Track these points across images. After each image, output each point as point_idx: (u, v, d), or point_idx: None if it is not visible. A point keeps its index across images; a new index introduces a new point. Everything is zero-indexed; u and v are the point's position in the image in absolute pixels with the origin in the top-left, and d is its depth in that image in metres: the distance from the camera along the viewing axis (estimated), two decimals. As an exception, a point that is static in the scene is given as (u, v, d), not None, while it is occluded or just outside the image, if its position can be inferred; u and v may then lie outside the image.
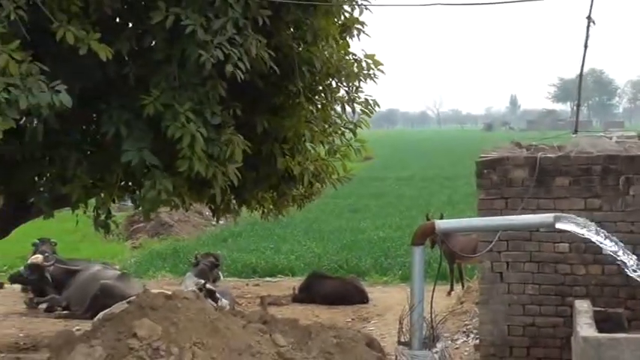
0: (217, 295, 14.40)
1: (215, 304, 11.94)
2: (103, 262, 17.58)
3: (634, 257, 7.85)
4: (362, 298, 16.23)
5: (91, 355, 8.68)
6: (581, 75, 12.85)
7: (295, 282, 17.44)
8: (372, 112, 11.59)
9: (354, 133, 11.77)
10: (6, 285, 17.85)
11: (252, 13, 9.22)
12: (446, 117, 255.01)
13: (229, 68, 8.90)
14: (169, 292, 10.23)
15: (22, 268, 16.87)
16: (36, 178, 10.62)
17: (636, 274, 7.73)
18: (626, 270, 7.75)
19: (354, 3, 10.94)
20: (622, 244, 7.89)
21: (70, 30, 8.65)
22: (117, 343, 8.74)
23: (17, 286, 17.16)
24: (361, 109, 11.47)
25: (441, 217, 13.54)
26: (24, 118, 8.46)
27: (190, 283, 14.99)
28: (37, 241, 17.10)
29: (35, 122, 8.70)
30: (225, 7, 8.94)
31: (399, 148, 76.30)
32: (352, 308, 15.49)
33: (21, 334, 13.90)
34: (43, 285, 16.36)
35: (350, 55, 11.12)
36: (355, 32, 11.17)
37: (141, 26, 9.46)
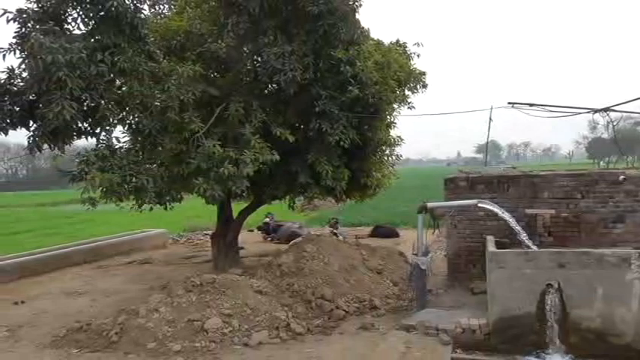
0: (338, 234, 14.29)
1: (337, 238, 11.79)
2: (292, 221, 17.67)
3: (512, 217, 7.51)
4: (397, 235, 15.85)
5: (300, 256, 8.67)
6: (487, 143, 12.53)
7: (369, 229, 17.11)
8: (399, 159, 11.32)
9: (393, 168, 11.52)
10: (255, 230, 18.16)
11: (349, 120, 9.10)
12: (430, 160, 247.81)
13: (343, 143, 8.88)
14: (319, 234, 10.18)
15: (262, 223, 17.14)
16: (265, 188, 10.72)
17: (512, 224, 7.36)
18: (510, 225, 7.39)
19: (393, 116, 10.76)
20: (508, 213, 7.53)
21: (278, 129, 8.73)
22: (297, 254, 8.71)
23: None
24: (395, 158, 11.22)
25: (428, 202, 13.07)
26: (260, 165, 8.53)
27: (327, 230, 14.92)
28: (268, 213, 17.32)
29: (265, 166, 8.78)
30: (339, 117, 8.86)
31: (411, 175, 74.38)
32: (393, 239, 15.06)
33: (260, 250, 14.06)
34: (270, 230, 16.56)
35: (390, 136, 10.87)
36: (393, 126, 10.94)
37: (306, 127, 9.45)
